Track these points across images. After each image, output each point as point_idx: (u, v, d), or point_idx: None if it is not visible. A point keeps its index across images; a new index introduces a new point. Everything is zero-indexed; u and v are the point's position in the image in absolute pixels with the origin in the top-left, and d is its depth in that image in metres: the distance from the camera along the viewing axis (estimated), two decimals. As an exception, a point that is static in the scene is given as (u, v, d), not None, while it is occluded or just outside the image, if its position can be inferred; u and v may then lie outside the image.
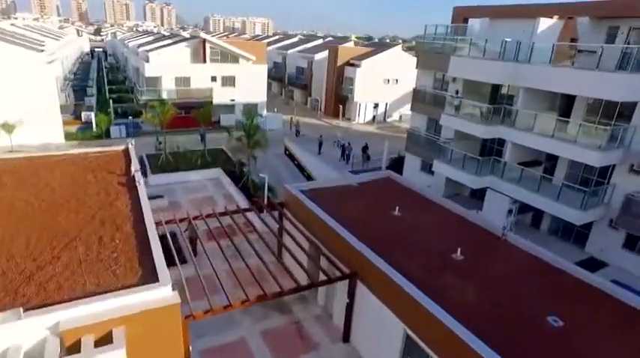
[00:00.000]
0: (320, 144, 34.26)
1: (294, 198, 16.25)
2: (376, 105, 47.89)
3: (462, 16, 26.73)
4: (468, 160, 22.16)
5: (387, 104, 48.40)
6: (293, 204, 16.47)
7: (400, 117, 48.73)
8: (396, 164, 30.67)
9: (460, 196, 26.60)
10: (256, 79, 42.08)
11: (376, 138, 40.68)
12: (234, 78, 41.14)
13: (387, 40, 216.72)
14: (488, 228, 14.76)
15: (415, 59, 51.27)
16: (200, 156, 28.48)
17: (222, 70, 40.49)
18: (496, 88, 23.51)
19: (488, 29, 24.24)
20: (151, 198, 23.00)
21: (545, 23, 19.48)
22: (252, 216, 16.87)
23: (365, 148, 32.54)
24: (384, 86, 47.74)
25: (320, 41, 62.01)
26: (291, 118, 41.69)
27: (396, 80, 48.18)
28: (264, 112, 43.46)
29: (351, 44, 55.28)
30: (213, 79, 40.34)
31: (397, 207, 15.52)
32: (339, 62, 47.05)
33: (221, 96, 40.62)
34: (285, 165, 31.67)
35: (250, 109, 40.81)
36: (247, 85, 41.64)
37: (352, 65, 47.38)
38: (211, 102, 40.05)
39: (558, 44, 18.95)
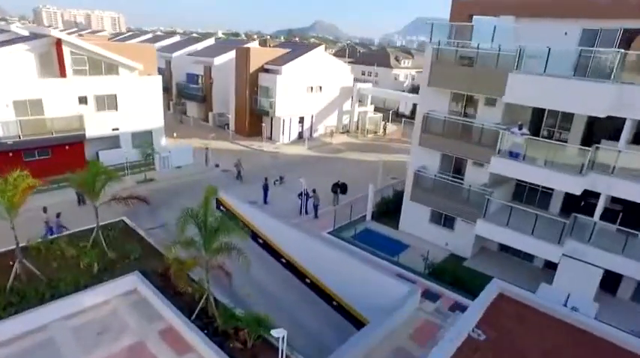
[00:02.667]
0: (266, 190, 23.82)
1: None
2: (301, 120, 38.59)
3: (465, 11, 19.33)
4: (540, 222, 14.96)
5: (312, 117, 39.46)
6: None
7: (331, 132, 40.19)
8: (386, 210, 22.32)
9: (487, 251, 19.65)
10: (148, 96, 28.83)
11: (320, 166, 31.66)
12: (114, 97, 27.28)
13: (255, 37, 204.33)
14: None
15: (334, 60, 43.44)
16: (91, 246, 15.67)
17: (94, 87, 26.31)
18: (541, 115, 16.84)
19: (514, 31, 17.25)
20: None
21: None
22: None
23: (337, 186, 23.72)
24: (308, 95, 38.69)
25: (212, 41, 49.43)
26: (207, 149, 29.75)
27: (320, 87, 39.54)
28: (163, 141, 30.55)
29: (255, 44, 44.44)
30: (83, 100, 25.96)
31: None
32: (252, 68, 36.22)
33: (97, 125, 26.54)
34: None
35: (145, 141, 28.09)
36: (136, 105, 28.20)
37: (267, 71, 37.06)
38: (83, 138, 25.82)
39: None
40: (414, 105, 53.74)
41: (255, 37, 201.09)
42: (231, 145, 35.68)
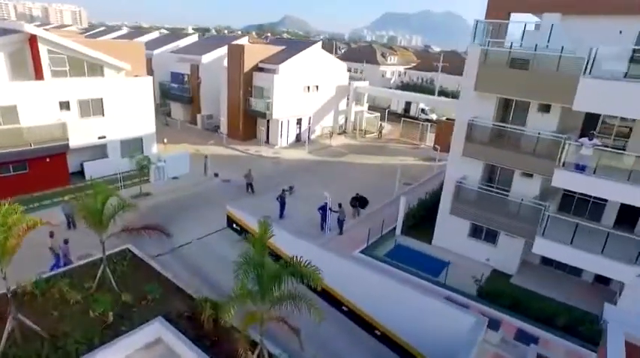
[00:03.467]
0: (282, 202, 21.55)
1: None
2: (299, 121, 36.28)
3: (504, 9, 17.75)
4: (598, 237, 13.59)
5: (310, 118, 37.23)
6: None
7: (330, 134, 38.03)
8: (413, 223, 20.55)
9: (528, 265, 18.26)
10: (137, 99, 25.74)
11: (326, 172, 29.58)
12: (100, 101, 24.07)
13: (226, 32, 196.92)
14: None
15: (330, 58, 40.97)
16: (97, 286, 13.01)
17: (77, 90, 23.04)
18: (594, 121, 15.51)
19: (561, 30, 15.76)
20: None
21: None
22: None
23: (356, 200, 21.81)
24: (305, 95, 36.41)
25: (194, 37, 45.99)
26: (206, 158, 26.98)
27: (317, 87, 37.34)
28: (155, 148, 27.56)
29: (244, 40, 41.51)
30: (64, 105, 22.67)
31: None
32: (246, 67, 33.54)
33: (81, 133, 23.34)
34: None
35: (135, 149, 25.23)
36: (124, 110, 25.09)
37: (262, 70, 34.49)
38: (66, 148, 22.61)
39: None
40: (407, 104, 52.54)
41: (226, 32, 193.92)
42: (225, 151, 32.92)
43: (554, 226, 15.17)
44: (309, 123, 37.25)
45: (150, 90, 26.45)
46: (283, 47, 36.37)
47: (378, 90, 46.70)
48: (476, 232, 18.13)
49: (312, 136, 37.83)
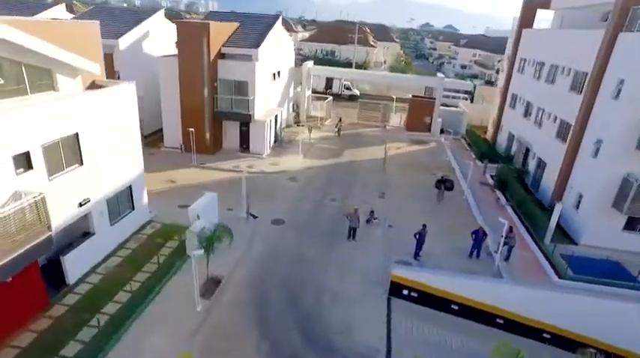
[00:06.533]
0: (421, 240, 16.00)
1: None
2: (275, 118, 28.46)
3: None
4: None
5: (282, 112, 29.74)
6: None
7: (310, 129, 31.09)
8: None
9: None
10: (120, 122, 14.79)
11: (357, 180, 24.35)
12: (75, 139, 12.60)
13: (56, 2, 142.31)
14: None
15: (286, 35, 32.24)
16: None
17: (40, 126, 11.26)
18: None
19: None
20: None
21: None
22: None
23: (441, 182, 21.83)
24: (273, 84, 28.70)
25: (61, 9, 29.92)
26: (248, 198, 17.99)
27: (279, 73, 29.83)
28: (145, 197, 17.02)
29: (160, 15, 28.85)
30: (22, 161, 10.79)
31: None
32: (213, 52, 23.66)
33: (54, 205, 11.96)
34: None
35: (123, 205, 15.44)
36: (105, 144, 14.04)
37: (224, 56, 25.07)
38: (49, 245, 11.39)
39: None
40: (329, 80, 48.37)
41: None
42: (205, 173, 23.08)
43: None
44: (281, 119, 29.88)
45: (135, 103, 15.54)
46: (237, 24, 27.03)
47: (332, 71, 40.97)
48: (631, 224, 17.31)
49: (285, 132, 30.62)
